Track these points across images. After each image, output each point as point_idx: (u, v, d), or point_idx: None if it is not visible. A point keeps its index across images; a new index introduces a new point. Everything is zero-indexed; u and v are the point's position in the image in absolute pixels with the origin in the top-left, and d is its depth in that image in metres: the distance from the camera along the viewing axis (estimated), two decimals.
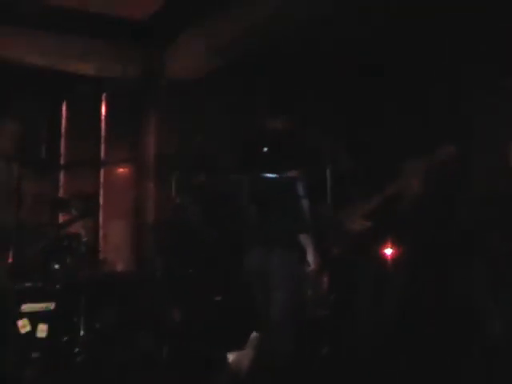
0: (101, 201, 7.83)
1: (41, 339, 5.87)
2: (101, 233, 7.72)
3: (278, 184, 4.61)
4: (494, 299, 5.35)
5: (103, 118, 8.03)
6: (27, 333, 5.81)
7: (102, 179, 7.94)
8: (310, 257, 4.83)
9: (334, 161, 5.56)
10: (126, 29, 7.32)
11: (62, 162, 7.86)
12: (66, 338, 5.94)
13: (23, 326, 5.79)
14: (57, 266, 6.09)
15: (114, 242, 7.60)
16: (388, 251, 5.52)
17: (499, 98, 5.57)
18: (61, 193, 7.63)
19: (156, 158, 7.65)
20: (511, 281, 5.23)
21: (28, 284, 6.03)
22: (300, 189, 4.61)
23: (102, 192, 7.87)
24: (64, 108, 8.02)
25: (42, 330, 5.88)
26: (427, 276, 5.59)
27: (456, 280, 5.53)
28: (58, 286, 6.06)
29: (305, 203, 4.61)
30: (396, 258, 5.55)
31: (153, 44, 7.65)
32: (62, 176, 7.80)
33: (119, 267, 7.21)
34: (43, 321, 5.89)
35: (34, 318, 5.88)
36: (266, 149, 4.86)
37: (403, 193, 5.64)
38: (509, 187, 5.36)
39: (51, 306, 5.96)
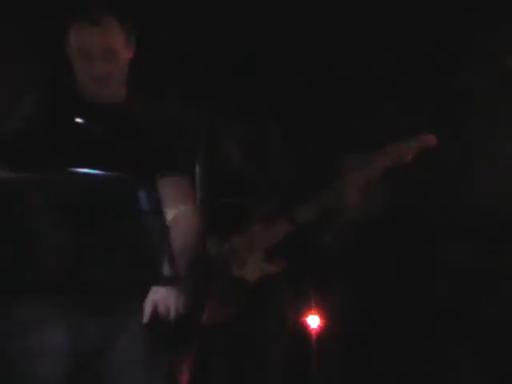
0: None
1: None
2: None
3: (105, 188, 1.98)
4: None
5: None
6: None
7: None
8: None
9: (214, 153, 3.01)
10: None
11: None
12: None
13: None
14: None
15: None
16: (313, 321, 3.00)
17: None
18: None
19: None
20: None
21: None
22: (145, 198, 2.01)
23: None
24: None
25: None
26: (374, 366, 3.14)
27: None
28: None
29: (154, 224, 2.01)
30: (325, 333, 3.05)
31: None
32: None
33: None
34: None
35: None
36: (79, 120, 2.27)
37: (336, 212, 3.11)
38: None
39: None
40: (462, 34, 3.23)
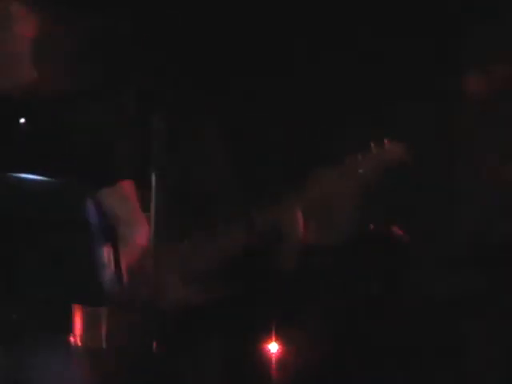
0: None
1: None
2: None
3: (44, 194, 1.75)
4: None
5: None
6: None
7: None
8: None
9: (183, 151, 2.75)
10: None
11: None
12: None
13: None
14: None
15: None
16: (272, 347, 2.79)
17: None
18: None
19: None
20: None
21: None
22: (93, 208, 1.78)
23: None
24: None
25: None
26: None
27: None
28: None
29: (102, 238, 1.78)
30: (285, 360, 2.84)
31: None
32: None
33: None
34: None
35: None
36: (23, 120, 2.08)
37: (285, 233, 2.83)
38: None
39: None
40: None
